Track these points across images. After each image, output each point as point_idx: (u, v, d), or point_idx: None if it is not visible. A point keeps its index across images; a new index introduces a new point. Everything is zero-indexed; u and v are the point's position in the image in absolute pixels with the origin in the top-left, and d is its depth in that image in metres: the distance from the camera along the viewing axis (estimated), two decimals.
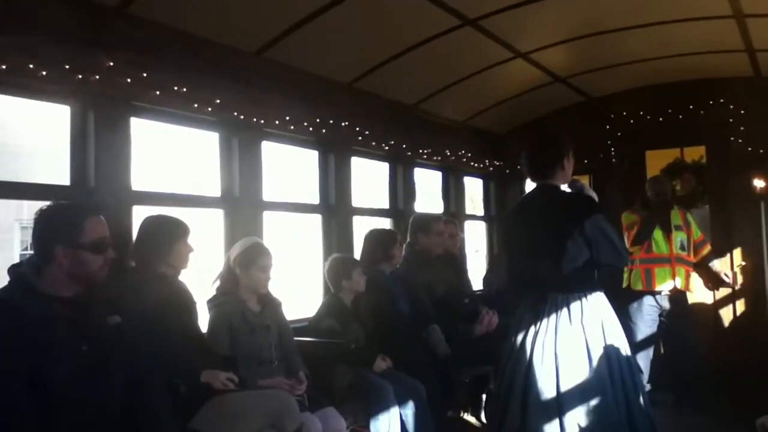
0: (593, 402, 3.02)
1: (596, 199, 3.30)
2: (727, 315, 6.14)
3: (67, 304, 2.31)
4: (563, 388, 3.04)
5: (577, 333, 3.09)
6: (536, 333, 3.14)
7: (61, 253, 2.28)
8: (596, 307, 3.16)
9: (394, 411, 3.86)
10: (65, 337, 2.25)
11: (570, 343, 3.08)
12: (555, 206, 3.25)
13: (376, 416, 3.82)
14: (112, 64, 3.34)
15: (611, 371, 3.07)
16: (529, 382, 3.10)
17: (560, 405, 3.02)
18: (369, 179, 5.82)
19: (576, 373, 3.05)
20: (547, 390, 3.05)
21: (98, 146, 3.38)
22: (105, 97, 3.39)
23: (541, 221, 3.24)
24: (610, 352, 3.10)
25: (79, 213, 2.38)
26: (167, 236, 3.19)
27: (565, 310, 3.13)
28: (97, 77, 3.29)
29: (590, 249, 3.11)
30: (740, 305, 6.08)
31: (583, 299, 3.15)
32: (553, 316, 3.13)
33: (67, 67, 3.16)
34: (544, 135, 3.48)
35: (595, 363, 3.05)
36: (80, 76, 3.22)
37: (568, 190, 3.35)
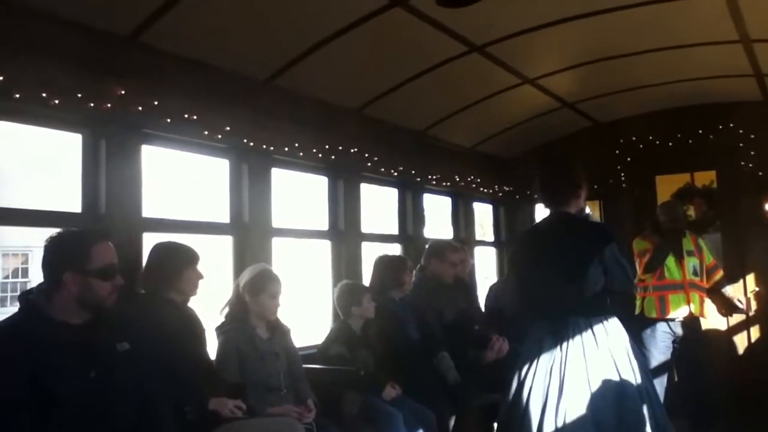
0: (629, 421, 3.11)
1: None
2: (741, 341, 6.07)
3: (76, 331, 2.31)
4: (596, 408, 3.12)
5: (605, 356, 3.19)
6: (564, 356, 3.20)
7: (70, 280, 2.29)
8: (617, 330, 3.28)
9: None
10: (74, 363, 2.25)
11: (600, 365, 3.17)
12: (573, 233, 3.37)
13: None
14: (123, 92, 3.38)
15: (640, 392, 3.17)
16: (558, 402, 3.15)
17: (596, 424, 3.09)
18: (379, 205, 5.82)
19: (609, 393, 3.13)
20: (578, 410, 3.11)
21: (109, 173, 3.41)
22: (116, 125, 3.43)
23: (559, 247, 3.34)
24: (637, 373, 3.22)
25: (87, 239, 2.40)
26: (177, 263, 3.20)
27: (589, 333, 3.22)
28: (109, 105, 3.33)
29: (605, 275, 3.26)
30: (754, 331, 6.02)
31: (605, 323, 3.25)
32: (577, 339, 3.21)
33: (80, 95, 3.20)
34: (561, 163, 3.63)
35: (625, 383, 3.15)
36: (92, 104, 3.26)
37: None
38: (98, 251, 2.36)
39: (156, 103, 3.53)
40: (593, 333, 3.21)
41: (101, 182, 3.38)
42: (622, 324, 3.36)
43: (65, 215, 3.56)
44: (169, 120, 3.62)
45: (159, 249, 3.28)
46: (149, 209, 3.67)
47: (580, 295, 3.22)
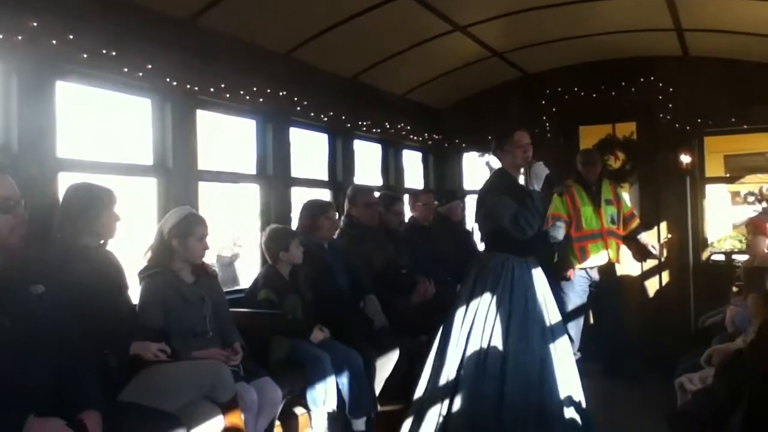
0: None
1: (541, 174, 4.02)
2: (653, 286, 6.41)
3: None
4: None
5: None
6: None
7: None
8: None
9: (331, 381, 3.87)
10: None
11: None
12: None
13: (313, 386, 3.82)
14: (36, 24, 3.18)
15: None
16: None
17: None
18: (309, 150, 5.76)
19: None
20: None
21: (22, 110, 3.22)
22: (29, 59, 3.23)
23: None
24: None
25: None
26: (93, 205, 3.03)
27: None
28: (20, 37, 3.13)
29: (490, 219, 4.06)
30: (665, 276, 6.35)
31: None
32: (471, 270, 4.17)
33: None
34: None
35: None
36: (1, 36, 3.06)
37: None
38: None
39: (71, 36, 3.34)
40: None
41: (13, 119, 3.19)
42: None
43: None
44: (85, 55, 3.44)
45: (73, 190, 3.09)
46: (69, 149, 3.50)
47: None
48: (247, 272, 4.79)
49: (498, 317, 3.85)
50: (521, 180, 4.29)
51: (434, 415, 3.77)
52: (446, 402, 3.80)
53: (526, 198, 3.94)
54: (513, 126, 4.19)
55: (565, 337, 4.02)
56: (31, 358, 2.25)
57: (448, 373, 3.86)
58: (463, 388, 3.78)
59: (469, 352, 3.84)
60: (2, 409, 2.11)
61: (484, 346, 3.80)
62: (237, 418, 3.03)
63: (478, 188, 4.42)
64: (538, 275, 4.06)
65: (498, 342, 3.80)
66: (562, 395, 3.70)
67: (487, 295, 3.93)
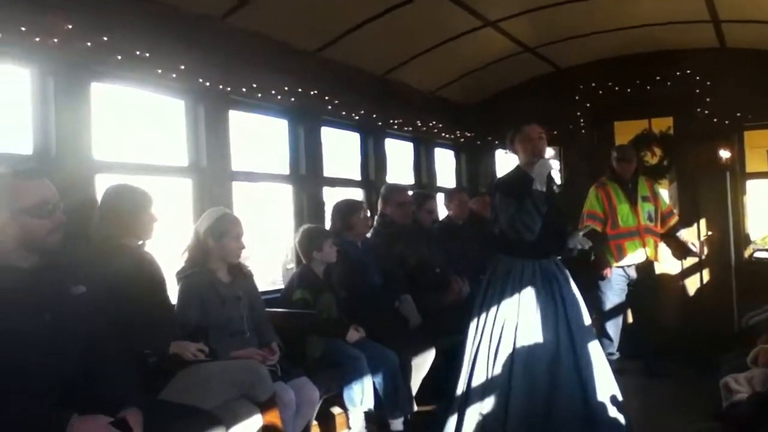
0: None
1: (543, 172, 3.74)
2: (693, 284, 6.27)
3: (24, 274, 2.22)
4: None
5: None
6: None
7: (3, 222, 2.19)
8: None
9: (368, 380, 3.86)
10: (23, 308, 2.16)
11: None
12: None
13: (350, 385, 3.81)
14: (70, 26, 3.20)
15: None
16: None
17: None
18: (342, 149, 5.76)
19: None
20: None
21: (58, 113, 3.25)
22: (64, 61, 3.26)
23: None
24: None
25: (17, 178, 2.26)
26: (130, 206, 3.06)
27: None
28: (56, 40, 3.15)
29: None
30: (706, 274, 6.21)
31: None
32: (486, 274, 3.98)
33: (24, 29, 3.02)
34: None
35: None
36: (38, 39, 3.09)
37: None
38: (30, 188, 2.24)
39: (105, 39, 3.36)
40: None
41: (51, 121, 3.22)
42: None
43: (15, 157, 3.37)
44: (119, 57, 3.46)
45: (111, 192, 3.14)
46: (105, 151, 3.53)
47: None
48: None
49: (507, 323, 3.69)
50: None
51: (474, 414, 3.69)
52: (482, 402, 3.70)
53: (525, 198, 3.68)
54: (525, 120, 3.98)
55: (591, 337, 3.80)
56: (70, 353, 2.26)
57: (479, 374, 3.74)
58: (491, 394, 3.66)
59: (485, 356, 3.72)
60: (42, 404, 2.12)
61: (493, 352, 3.68)
62: (275, 417, 3.02)
63: None
64: (555, 277, 3.81)
65: (507, 348, 3.65)
66: (594, 396, 3.55)
67: (496, 300, 3.76)
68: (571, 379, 3.55)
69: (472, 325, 3.81)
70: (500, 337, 3.67)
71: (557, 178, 3.88)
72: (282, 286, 4.44)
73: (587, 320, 3.78)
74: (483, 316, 3.77)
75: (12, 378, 2.08)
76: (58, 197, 2.33)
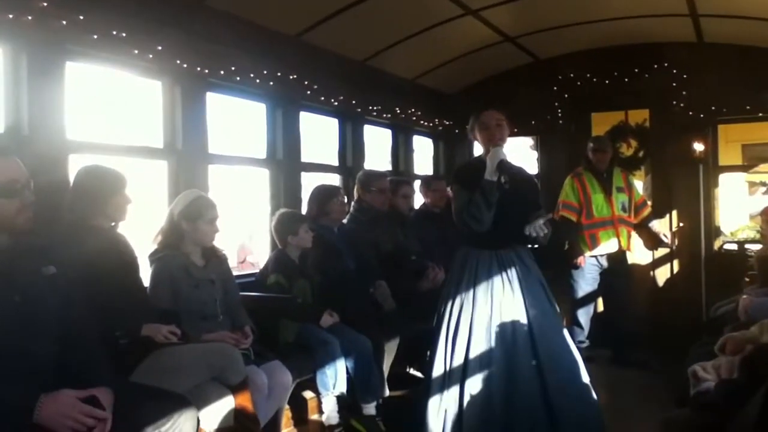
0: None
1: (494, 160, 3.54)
2: (663, 274, 6.38)
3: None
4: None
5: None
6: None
7: None
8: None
9: (341, 365, 3.88)
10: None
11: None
12: None
13: (323, 370, 3.83)
14: (45, 4, 3.15)
15: None
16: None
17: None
18: (320, 135, 5.74)
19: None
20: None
21: (32, 91, 3.20)
22: (39, 40, 3.21)
23: None
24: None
25: None
26: (103, 187, 3.02)
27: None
28: (30, 17, 3.11)
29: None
30: (676, 265, 6.31)
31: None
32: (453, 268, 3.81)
33: None
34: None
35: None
36: (11, 16, 3.04)
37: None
38: None
39: (81, 17, 3.31)
40: None
41: (23, 100, 3.17)
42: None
43: None
44: (95, 36, 3.41)
45: (84, 173, 3.10)
46: (79, 131, 3.49)
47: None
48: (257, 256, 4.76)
49: (462, 313, 3.58)
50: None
51: (434, 407, 3.57)
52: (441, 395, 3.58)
53: (476, 189, 3.52)
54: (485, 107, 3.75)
55: (556, 325, 3.67)
56: (40, 335, 2.25)
57: (438, 367, 3.61)
58: (449, 387, 3.54)
59: (442, 349, 3.60)
60: (11, 384, 2.11)
61: (450, 345, 3.56)
62: (247, 400, 3.02)
63: None
64: (513, 265, 3.62)
65: (463, 341, 3.54)
66: (556, 384, 3.45)
67: (453, 291, 3.65)
68: (528, 368, 3.44)
69: (436, 315, 3.74)
70: (456, 329, 3.56)
71: (528, 166, 3.71)
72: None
73: (552, 309, 3.66)
74: (443, 306, 3.68)
75: None
76: (28, 176, 2.30)
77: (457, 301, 3.61)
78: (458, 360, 3.52)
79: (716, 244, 6.30)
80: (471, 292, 3.58)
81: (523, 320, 3.51)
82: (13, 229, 2.24)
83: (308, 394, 3.99)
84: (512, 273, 3.60)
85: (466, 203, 3.54)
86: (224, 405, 2.95)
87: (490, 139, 3.60)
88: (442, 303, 3.71)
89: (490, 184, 3.49)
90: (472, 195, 3.52)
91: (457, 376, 3.49)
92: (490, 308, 3.53)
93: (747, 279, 4.78)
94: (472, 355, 3.49)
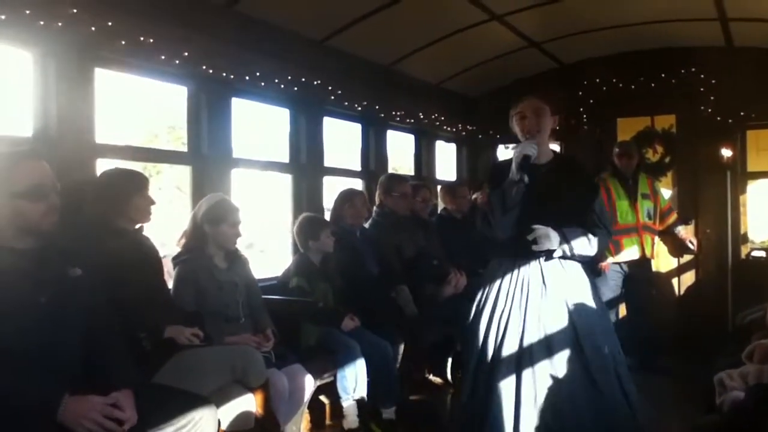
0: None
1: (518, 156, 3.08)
2: (689, 281, 6.28)
3: (22, 256, 2.25)
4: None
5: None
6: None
7: None
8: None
9: (361, 369, 3.88)
10: (21, 289, 2.20)
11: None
12: None
13: (343, 374, 3.84)
14: (75, 10, 3.22)
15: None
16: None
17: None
18: (343, 139, 5.78)
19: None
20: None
21: (60, 96, 3.27)
22: (68, 45, 3.28)
23: None
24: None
25: (11, 160, 2.27)
26: (124, 189, 3.07)
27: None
28: (60, 24, 3.18)
29: None
30: (702, 272, 6.21)
31: None
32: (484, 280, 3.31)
33: (28, 12, 3.05)
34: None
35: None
36: (42, 22, 3.11)
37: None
38: (24, 171, 2.24)
39: (110, 24, 3.38)
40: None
41: (52, 105, 3.24)
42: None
43: (15, 140, 3.42)
44: (123, 42, 3.48)
45: (106, 175, 3.16)
46: (105, 135, 3.55)
47: None
48: (280, 260, 4.80)
49: (510, 329, 3.08)
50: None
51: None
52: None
53: (496, 192, 3.08)
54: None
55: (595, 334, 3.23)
56: (64, 336, 2.29)
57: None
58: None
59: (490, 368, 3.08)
60: (36, 385, 2.16)
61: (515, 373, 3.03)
62: (267, 403, 3.05)
63: None
64: (539, 274, 3.12)
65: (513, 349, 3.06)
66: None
67: (489, 307, 3.15)
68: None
69: (474, 329, 3.20)
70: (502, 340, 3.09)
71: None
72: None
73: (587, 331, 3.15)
74: (479, 320, 3.20)
75: (5, 360, 2.12)
76: (54, 180, 2.34)
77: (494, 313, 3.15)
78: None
79: (743, 252, 6.20)
80: (508, 307, 3.11)
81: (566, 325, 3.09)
82: (39, 231, 2.29)
83: (329, 398, 4.00)
84: (529, 288, 3.12)
85: (487, 208, 3.12)
86: (245, 407, 2.98)
87: (521, 131, 3.16)
88: (477, 314, 3.22)
89: (509, 185, 3.04)
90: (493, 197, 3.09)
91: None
92: (540, 316, 3.09)
93: None
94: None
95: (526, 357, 3.01)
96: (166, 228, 3.31)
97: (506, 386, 3.01)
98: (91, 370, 2.37)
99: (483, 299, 3.20)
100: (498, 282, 3.16)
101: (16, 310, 2.15)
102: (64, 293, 2.32)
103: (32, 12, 3.06)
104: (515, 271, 3.12)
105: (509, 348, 3.04)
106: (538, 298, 3.07)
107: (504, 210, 3.04)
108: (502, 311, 3.10)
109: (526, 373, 3.00)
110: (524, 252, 3.09)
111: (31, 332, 2.18)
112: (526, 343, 3.02)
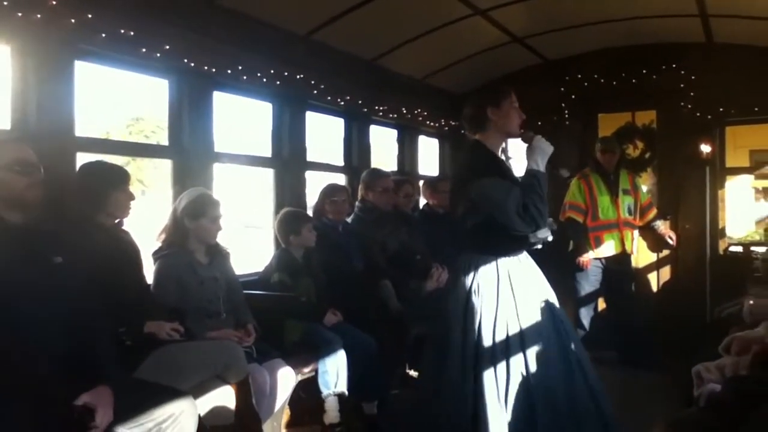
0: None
1: (546, 150, 3.12)
2: (668, 276, 6.35)
3: (15, 230, 2.37)
4: None
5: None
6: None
7: None
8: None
9: (343, 364, 3.88)
10: (8, 261, 2.28)
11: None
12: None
13: (325, 369, 3.84)
14: (54, 2, 3.18)
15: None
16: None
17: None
18: (325, 134, 5.77)
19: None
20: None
21: (40, 89, 3.23)
22: (48, 38, 3.24)
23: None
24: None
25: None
26: (104, 183, 3.05)
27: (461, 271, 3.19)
28: (39, 16, 3.13)
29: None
30: (681, 266, 6.29)
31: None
32: (461, 277, 3.18)
33: (6, 3, 3.00)
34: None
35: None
36: (20, 14, 3.07)
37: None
38: (8, 148, 2.44)
39: (89, 16, 3.34)
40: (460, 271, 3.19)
41: (31, 98, 3.21)
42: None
43: None
44: (104, 35, 3.44)
45: (85, 169, 3.13)
46: (87, 129, 3.51)
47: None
48: (261, 255, 4.77)
49: (509, 332, 3.06)
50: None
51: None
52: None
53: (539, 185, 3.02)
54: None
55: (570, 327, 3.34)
56: (46, 320, 2.33)
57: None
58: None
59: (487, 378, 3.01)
60: (19, 372, 2.17)
61: (502, 370, 3.01)
62: (248, 398, 3.05)
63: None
64: (534, 270, 3.24)
65: (519, 361, 3.03)
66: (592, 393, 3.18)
67: (488, 311, 3.07)
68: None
69: (455, 339, 3.10)
70: (498, 354, 3.04)
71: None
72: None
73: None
74: (473, 327, 3.09)
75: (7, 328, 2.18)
76: (38, 161, 2.47)
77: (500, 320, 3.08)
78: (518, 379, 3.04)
79: (721, 247, 6.28)
80: (513, 306, 3.09)
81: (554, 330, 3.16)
82: (24, 203, 2.39)
83: (311, 393, 4.00)
84: (537, 272, 3.24)
85: (524, 199, 2.98)
86: (225, 402, 2.99)
87: (521, 121, 3.18)
88: (469, 324, 3.12)
89: (544, 176, 3.03)
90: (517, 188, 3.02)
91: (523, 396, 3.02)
92: (543, 314, 3.14)
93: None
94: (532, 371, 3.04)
95: (516, 346, 3.03)
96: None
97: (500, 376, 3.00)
98: (72, 363, 2.36)
99: (465, 297, 3.13)
100: (480, 278, 3.13)
101: (15, 277, 2.24)
102: (46, 277, 2.37)
103: (11, 4, 3.01)
104: (519, 267, 3.15)
105: (500, 338, 3.04)
106: (524, 289, 3.12)
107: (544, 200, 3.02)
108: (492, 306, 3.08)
109: (517, 361, 3.03)
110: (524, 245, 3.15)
111: (28, 302, 2.25)
112: (514, 332, 3.05)
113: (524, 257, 3.22)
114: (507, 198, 2.97)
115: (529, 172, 3.05)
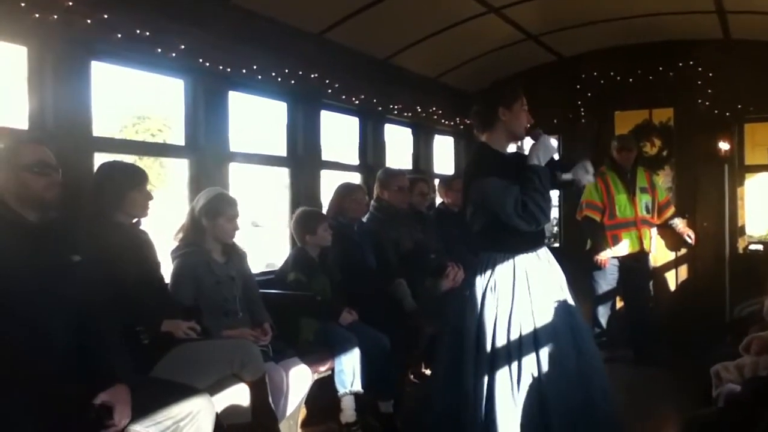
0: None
1: (550, 148, 3.17)
2: (686, 274, 6.30)
3: (32, 228, 2.41)
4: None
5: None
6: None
7: (6, 178, 2.41)
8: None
9: (359, 363, 3.87)
10: (23, 257, 2.31)
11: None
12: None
13: (341, 368, 3.84)
14: (71, 3, 3.20)
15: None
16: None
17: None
18: (341, 133, 5.78)
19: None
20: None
21: (57, 89, 3.25)
22: (64, 39, 3.26)
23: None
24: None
25: (18, 140, 2.65)
26: (122, 183, 3.06)
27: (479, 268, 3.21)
28: (56, 17, 3.16)
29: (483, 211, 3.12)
30: (699, 265, 6.23)
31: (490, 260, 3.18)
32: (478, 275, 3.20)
33: (23, 4, 3.03)
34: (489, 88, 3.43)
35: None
36: (37, 15, 3.09)
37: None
38: (28, 149, 2.47)
39: (105, 16, 3.36)
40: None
41: (48, 98, 3.23)
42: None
43: (12, 131, 3.40)
44: (119, 35, 3.46)
45: (102, 169, 3.15)
46: (104, 128, 3.54)
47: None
48: (278, 254, 4.79)
49: (523, 330, 3.08)
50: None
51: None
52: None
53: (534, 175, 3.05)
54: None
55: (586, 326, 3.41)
56: (56, 317, 2.35)
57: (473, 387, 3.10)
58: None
59: (499, 377, 3.03)
60: (30, 370, 2.19)
61: (515, 368, 3.04)
62: (265, 396, 3.05)
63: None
64: (553, 266, 3.26)
65: (532, 359, 3.05)
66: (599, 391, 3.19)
67: (503, 309, 3.09)
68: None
69: (470, 336, 3.13)
70: (513, 352, 3.07)
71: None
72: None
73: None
74: (489, 327, 3.10)
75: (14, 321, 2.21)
76: (56, 162, 2.51)
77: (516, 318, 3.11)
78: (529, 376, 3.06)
79: (741, 245, 6.21)
80: (528, 304, 3.11)
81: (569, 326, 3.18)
82: (42, 203, 2.43)
83: (326, 392, 4.00)
84: (556, 269, 3.27)
85: (522, 196, 3.01)
86: (242, 401, 2.98)
87: (529, 121, 3.22)
88: (485, 323, 3.13)
89: (545, 171, 3.08)
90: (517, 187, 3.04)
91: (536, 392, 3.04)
92: (560, 311, 3.16)
93: None
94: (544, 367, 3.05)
95: (529, 345, 3.05)
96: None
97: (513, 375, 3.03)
98: (87, 363, 2.37)
99: (482, 294, 3.15)
100: (497, 276, 3.15)
101: (15, 276, 2.25)
102: (61, 275, 2.39)
103: (27, 5, 3.04)
104: (537, 263, 3.17)
105: (514, 337, 3.06)
106: (541, 287, 3.14)
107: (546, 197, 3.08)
108: (508, 304, 3.10)
109: (530, 360, 3.04)
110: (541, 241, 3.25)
111: (23, 305, 2.25)
112: (528, 331, 3.07)
113: (544, 253, 3.24)
114: (505, 197, 3.01)
115: (529, 168, 3.09)
